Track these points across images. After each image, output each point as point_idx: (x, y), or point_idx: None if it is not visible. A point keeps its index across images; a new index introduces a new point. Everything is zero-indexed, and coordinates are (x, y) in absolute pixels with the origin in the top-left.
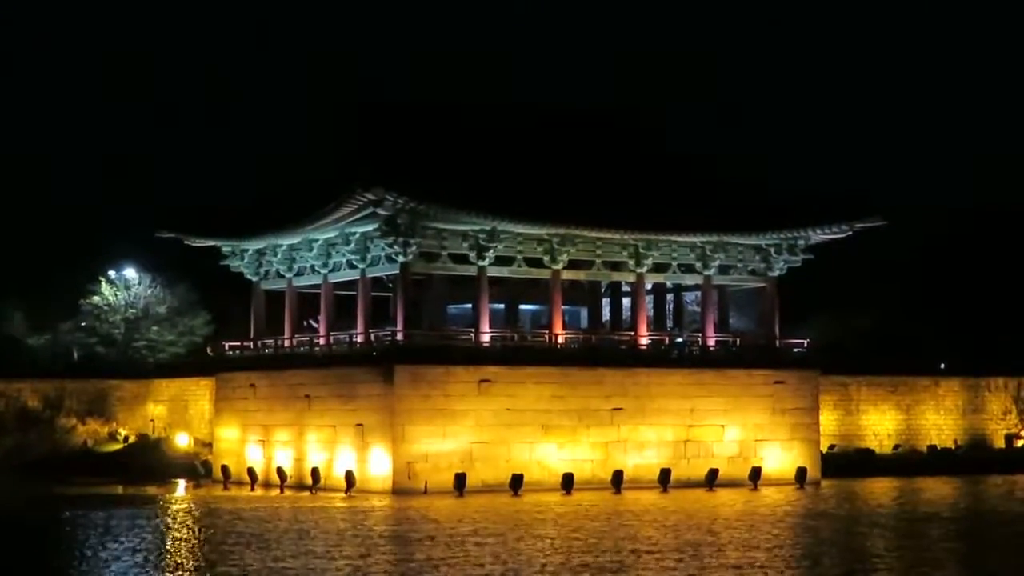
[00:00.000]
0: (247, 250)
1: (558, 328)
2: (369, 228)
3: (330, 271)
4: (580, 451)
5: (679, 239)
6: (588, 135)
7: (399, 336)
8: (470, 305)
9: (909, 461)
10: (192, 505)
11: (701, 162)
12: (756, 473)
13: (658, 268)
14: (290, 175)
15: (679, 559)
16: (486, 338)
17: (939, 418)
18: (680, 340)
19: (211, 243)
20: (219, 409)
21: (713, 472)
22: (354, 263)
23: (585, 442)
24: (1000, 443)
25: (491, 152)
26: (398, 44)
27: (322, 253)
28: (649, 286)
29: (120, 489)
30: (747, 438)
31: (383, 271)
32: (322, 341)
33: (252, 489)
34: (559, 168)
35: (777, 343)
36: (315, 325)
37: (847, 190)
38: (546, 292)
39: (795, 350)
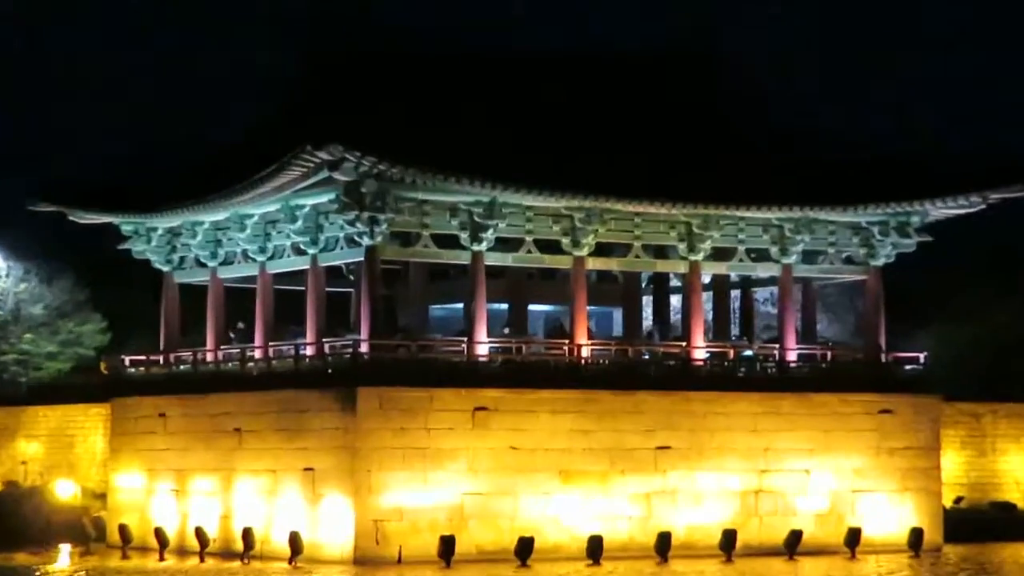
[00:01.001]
0: (155, 229)
1: (582, 336)
2: (323, 200)
3: (269, 258)
4: (613, 505)
5: (748, 215)
6: (624, 84)
7: (364, 348)
8: (461, 305)
9: None
10: None
11: (777, 115)
12: (854, 536)
13: (719, 255)
14: (215, 129)
15: None
16: (483, 350)
17: None
18: (749, 353)
19: (106, 219)
20: (116, 447)
21: (795, 535)
22: (302, 248)
23: (620, 493)
24: None
25: (491, 104)
26: None
27: (258, 234)
28: (707, 279)
29: None
30: (842, 488)
31: (342, 258)
32: (258, 354)
33: (161, 558)
34: (584, 125)
35: (883, 358)
36: (248, 332)
37: (977, 149)
38: (565, 287)
39: (908, 367)
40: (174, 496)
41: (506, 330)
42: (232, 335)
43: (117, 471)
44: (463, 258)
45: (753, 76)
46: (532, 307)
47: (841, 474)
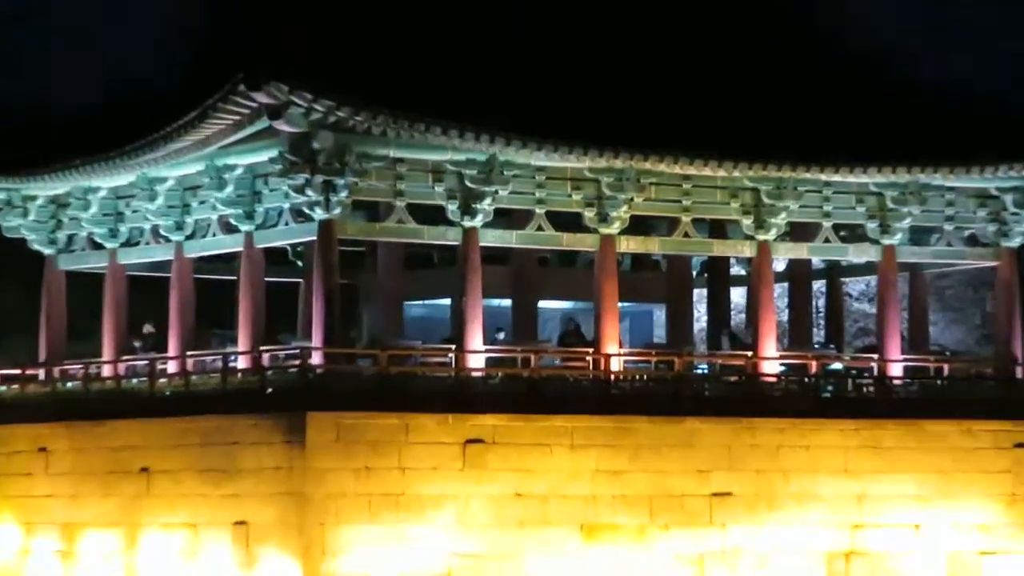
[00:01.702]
0: (34, 199)
1: (611, 344)
2: (262, 158)
3: (188, 237)
4: (653, 570)
5: (837, 179)
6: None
7: (316, 359)
8: (448, 301)
9: None
10: None
11: (876, 47)
12: None
13: (798, 234)
14: (116, 63)
15: None
16: (478, 361)
17: None
18: (838, 367)
19: None
20: None
21: None
22: (233, 223)
23: (662, 554)
24: None
25: (491, 26)
26: None
27: (174, 205)
28: (781, 266)
29: None
30: (964, 549)
31: (287, 238)
32: (172, 367)
33: None
34: (615, 57)
35: (1020, 372)
36: (159, 337)
37: None
38: (588, 278)
39: None
40: (59, 558)
41: (500, 334)
42: (137, 342)
43: None
44: (451, 237)
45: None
46: (544, 304)
47: (962, 530)
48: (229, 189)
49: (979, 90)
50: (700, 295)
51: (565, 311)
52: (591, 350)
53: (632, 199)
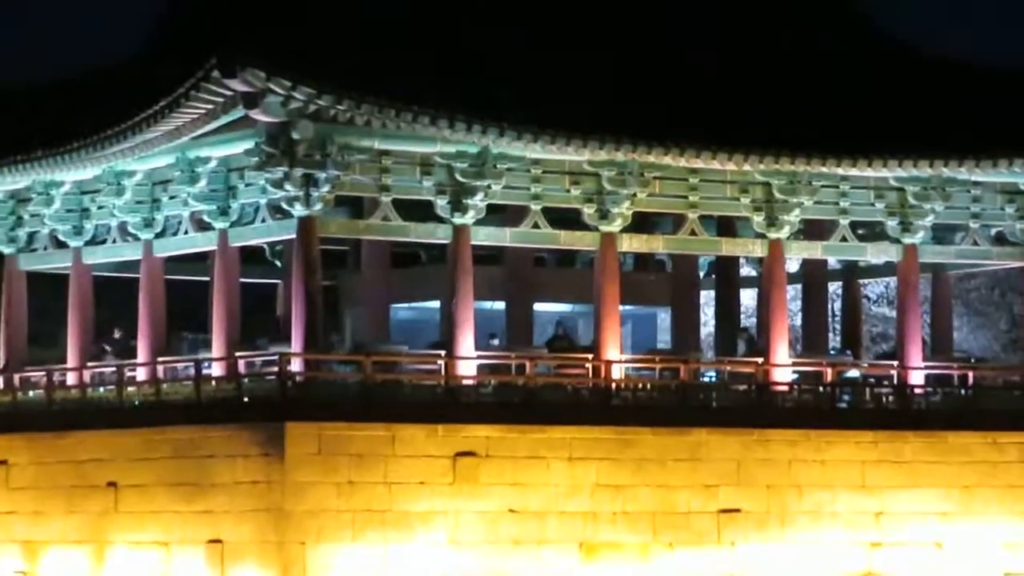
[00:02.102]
0: None
1: (611, 349)
2: (237, 150)
3: (159, 235)
4: None
5: (855, 173)
6: None
7: (295, 365)
8: (437, 304)
9: None
10: None
11: (897, 30)
12: None
13: (812, 231)
14: (80, 46)
15: None
16: (469, 369)
17: None
18: (855, 374)
19: None
20: None
21: None
22: (207, 220)
23: (667, 574)
24: None
25: (486, 29)
26: None
27: (143, 200)
28: (795, 266)
29: None
30: (989, 569)
31: (264, 236)
32: (142, 375)
33: None
34: (612, 56)
35: None
36: (127, 342)
37: None
38: (587, 279)
39: None
40: None
41: (495, 340)
42: (106, 347)
43: None
44: (440, 235)
45: None
46: (540, 307)
47: (988, 549)
48: (202, 183)
49: (1008, 76)
50: (707, 297)
51: (562, 314)
52: (590, 356)
53: (635, 194)
